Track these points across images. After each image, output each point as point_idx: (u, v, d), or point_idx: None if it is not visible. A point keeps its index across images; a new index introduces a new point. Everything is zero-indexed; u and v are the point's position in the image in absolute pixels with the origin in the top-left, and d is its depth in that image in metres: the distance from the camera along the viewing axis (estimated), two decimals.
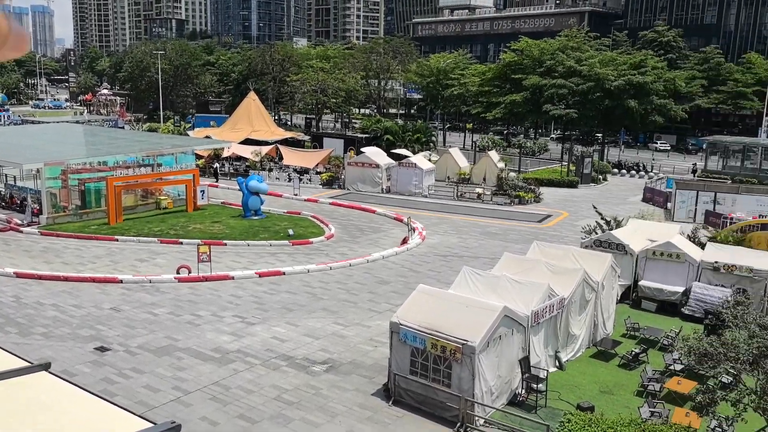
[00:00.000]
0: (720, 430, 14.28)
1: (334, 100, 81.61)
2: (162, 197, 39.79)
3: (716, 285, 23.30)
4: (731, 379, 13.20)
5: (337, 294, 24.95)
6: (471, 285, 18.90)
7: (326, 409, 16.02)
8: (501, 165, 51.04)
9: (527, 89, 71.58)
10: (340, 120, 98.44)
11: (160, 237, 32.51)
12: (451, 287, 19.26)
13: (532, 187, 47.13)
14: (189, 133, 66.40)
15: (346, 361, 18.84)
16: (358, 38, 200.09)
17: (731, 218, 35.63)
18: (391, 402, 16.33)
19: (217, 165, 52.18)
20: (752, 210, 38.11)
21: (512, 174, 50.48)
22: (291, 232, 33.67)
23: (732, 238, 28.02)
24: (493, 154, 53.04)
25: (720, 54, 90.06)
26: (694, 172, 59.31)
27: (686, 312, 23.15)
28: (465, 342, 15.28)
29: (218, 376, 17.60)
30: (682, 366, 17.74)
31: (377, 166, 47.57)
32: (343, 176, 49.23)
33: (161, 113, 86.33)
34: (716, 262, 23.69)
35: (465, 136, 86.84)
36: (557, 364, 18.81)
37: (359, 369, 18.35)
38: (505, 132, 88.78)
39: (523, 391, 16.66)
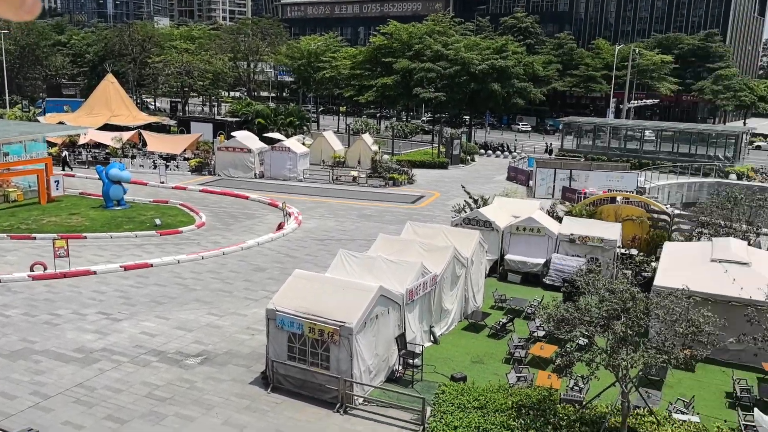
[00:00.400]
0: (578, 388, 15.51)
1: (201, 83, 78.52)
2: (10, 189, 36.43)
3: (573, 255, 25.13)
4: (586, 341, 14.32)
5: (211, 284, 24.20)
6: (347, 267, 19.05)
7: (202, 402, 15.55)
8: (375, 148, 51.68)
9: (398, 72, 72.82)
10: (208, 103, 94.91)
11: (9, 233, 29.80)
12: (327, 270, 19.30)
13: (406, 169, 48.17)
14: (39, 119, 61.18)
15: (222, 352, 18.36)
16: (224, 19, 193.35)
17: (585, 193, 38.43)
18: (269, 389, 16.14)
19: (65, 153, 48.31)
20: (603, 185, 41.35)
21: (386, 156, 51.28)
22: (158, 221, 32.13)
23: (585, 212, 30.27)
24: (367, 137, 53.57)
25: (573, 40, 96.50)
26: (549, 151, 63.32)
27: (547, 282, 24.80)
28: (342, 324, 15.39)
29: (82, 377, 16.50)
30: (544, 332, 19.03)
31: (249, 150, 46.46)
32: (213, 162, 47.61)
33: (6, 98, 78.75)
34: (572, 235, 25.53)
35: (339, 119, 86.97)
36: (432, 338, 19.49)
37: (236, 358, 17.95)
38: (378, 115, 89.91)
39: (401, 367, 17.09)
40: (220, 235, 31.35)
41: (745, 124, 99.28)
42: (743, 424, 14.36)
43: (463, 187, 34.02)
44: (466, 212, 28.78)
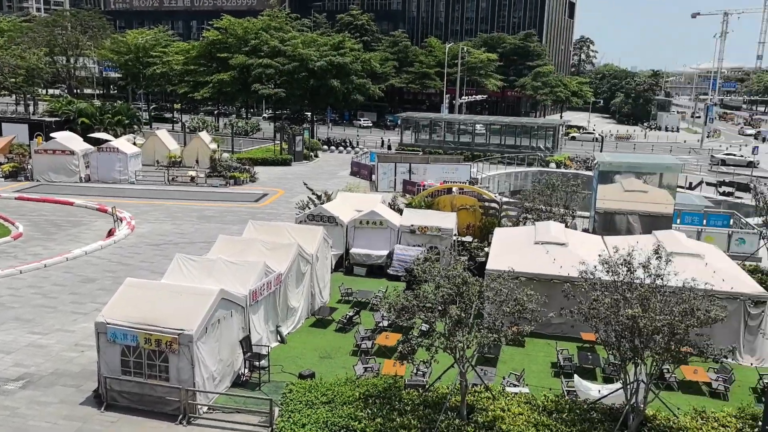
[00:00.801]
0: (421, 372, 16.12)
1: (13, 80, 71.06)
2: None
3: (414, 245, 26.07)
4: (428, 327, 14.91)
5: (32, 300, 21.99)
6: (185, 272, 18.22)
7: (26, 429, 14.09)
8: (213, 146, 49.95)
9: (234, 68, 70.94)
10: (22, 102, 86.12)
11: None
12: (163, 277, 18.33)
13: (247, 167, 47.12)
14: None
15: (47, 373, 16.75)
16: (38, 9, 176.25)
17: (423, 185, 40.06)
18: (103, 408, 15.00)
19: None
20: (439, 177, 43.36)
21: (225, 155, 49.79)
22: None
23: (424, 203, 31.54)
24: (205, 135, 51.64)
25: (407, 38, 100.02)
26: (389, 147, 64.99)
27: (391, 272, 25.50)
28: (181, 331, 14.68)
29: None
30: (389, 322, 19.55)
31: (72, 152, 42.82)
32: (30, 166, 43.31)
33: None
34: (412, 225, 26.48)
35: (174, 117, 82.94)
36: (279, 338, 19.24)
37: (63, 379, 16.47)
38: (216, 112, 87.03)
39: (247, 371, 16.68)
40: (41, 245, 28.60)
41: (561, 117, 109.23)
42: (565, 390, 15.77)
43: (305, 183, 33.96)
44: (309, 209, 28.76)
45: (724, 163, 63.09)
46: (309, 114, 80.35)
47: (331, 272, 24.31)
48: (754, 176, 48.79)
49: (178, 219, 34.32)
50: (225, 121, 75.38)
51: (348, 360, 18.02)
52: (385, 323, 19.86)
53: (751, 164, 61.95)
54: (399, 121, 69.51)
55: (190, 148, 50.03)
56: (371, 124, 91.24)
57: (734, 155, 65.39)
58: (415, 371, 16.10)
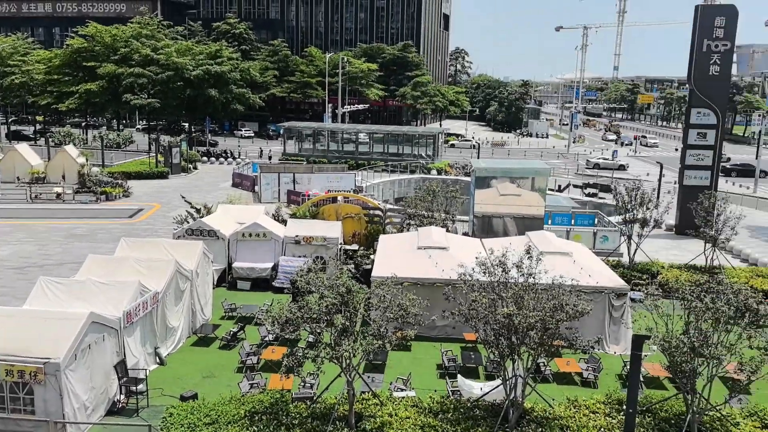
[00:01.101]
0: (308, 385, 15.95)
1: None
2: None
3: (299, 256, 25.82)
4: (315, 338, 14.77)
5: None
6: (51, 296, 16.94)
7: None
8: (81, 160, 46.95)
9: (103, 78, 67.20)
10: None
11: None
12: (26, 302, 16.93)
13: (120, 181, 44.68)
14: None
15: None
16: None
17: (308, 195, 39.86)
18: None
19: None
20: (324, 186, 43.35)
21: (95, 169, 46.97)
22: None
23: (309, 213, 31.36)
24: (71, 149, 48.41)
25: (287, 47, 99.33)
26: (269, 158, 63.74)
27: (276, 285, 25.10)
28: (47, 360, 13.61)
29: None
30: (275, 335, 19.20)
31: None
32: None
33: None
34: (297, 236, 26.22)
35: (36, 130, 77.14)
36: (158, 360, 18.34)
37: None
38: (84, 124, 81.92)
39: (123, 397, 15.74)
40: None
41: (441, 125, 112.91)
42: (450, 390, 16.21)
43: (182, 196, 32.72)
44: (188, 223, 27.70)
45: (598, 166, 67.79)
46: (186, 124, 77.60)
47: (213, 288, 23.55)
48: (615, 178, 52.83)
49: (43, 239, 31.88)
50: (94, 134, 71.12)
51: (233, 377, 17.49)
52: (271, 337, 19.49)
53: (621, 167, 67.63)
54: (282, 131, 68.80)
55: (54, 163, 46.70)
56: (253, 134, 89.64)
57: (608, 159, 70.65)
58: (302, 384, 15.90)
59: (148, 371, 17.04)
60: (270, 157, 63.36)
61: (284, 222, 29.04)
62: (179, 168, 53.73)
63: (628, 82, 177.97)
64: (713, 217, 26.86)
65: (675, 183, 41.05)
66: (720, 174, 53.57)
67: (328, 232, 26.55)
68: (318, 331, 13.71)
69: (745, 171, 64.48)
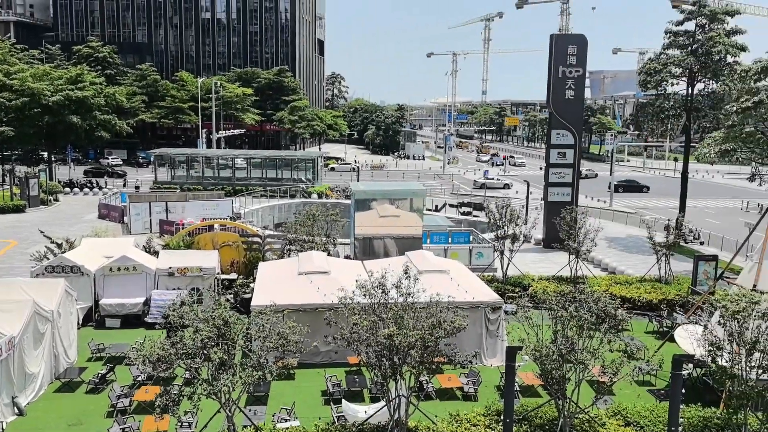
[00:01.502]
0: (187, 424, 15.14)
1: None
2: None
3: (173, 289, 24.64)
4: (192, 374, 14.08)
5: None
6: None
7: None
8: None
9: None
10: None
11: None
12: None
13: None
14: None
15: None
16: None
17: (182, 224, 38.33)
18: None
19: None
20: (200, 214, 41.87)
21: None
22: None
23: (183, 243, 30.12)
24: None
25: (155, 71, 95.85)
26: (136, 187, 59.89)
27: (149, 321, 23.78)
28: None
29: None
30: (148, 375, 18.10)
31: None
32: None
33: None
34: (170, 268, 25.05)
35: None
36: (16, 410, 16.71)
37: None
38: None
39: None
40: None
41: (320, 149, 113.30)
42: (335, 416, 16.04)
43: (41, 231, 30.31)
44: (48, 259, 25.68)
45: (485, 186, 71.19)
46: (45, 153, 72.21)
47: (78, 328, 21.93)
48: (487, 197, 55.38)
49: None
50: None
51: (103, 423, 16.27)
52: (144, 377, 18.37)
53: (506, 186, 72.58)
54: (152, 158, 65.91)
55: None
56: (121, 162, 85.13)
57: (493, 179, 74.58)
58: (179, 424, 15.07)
59: (5, 424, 15.47)
60: (137, 187, 60.19)
61: (156, 253, 27.70)
62: (38, 200, 49.85)
63: (496, 105, 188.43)
64: (575, 230, 28.78)
65: (541, 199, 43.68)
66: (608, 190, 58.03)
67: (204, 262, 25.60)
68: (194, 366, 13.09)
69: (631, 187, 71.68)
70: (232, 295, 25.79)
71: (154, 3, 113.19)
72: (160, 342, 13.19)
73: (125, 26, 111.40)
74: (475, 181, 74.93)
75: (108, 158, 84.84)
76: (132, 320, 24.09)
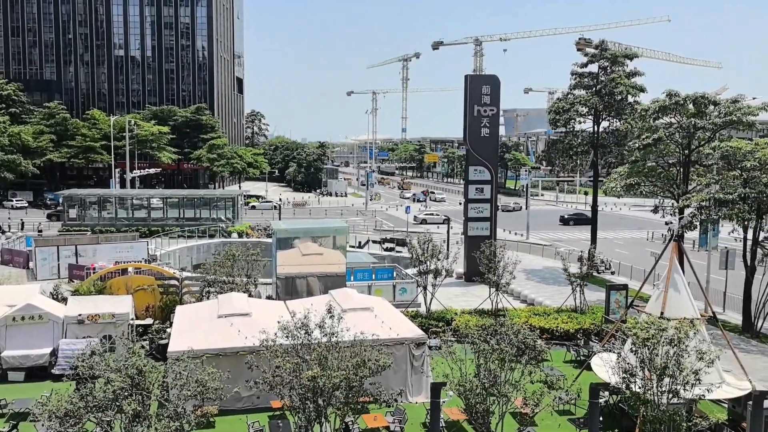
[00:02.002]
0: None
1: None
2: None
3: (84, 337, 23.30)
4: (103, 428, 13.26)
5: None
6: None
7: None
8: None
9: None
10: None
11: None
12: None
13: None
14: None
15: None
16: None
17: (93, 268, 36.52)
18: None
19: None
20: (113, 257, 40.04)
21: None
22: None
23: (94, 288, 28.65)
24: None
25: (65, 110, 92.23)
26: (39, 231, 56.66)
27: (57, 372, 22.30)
28: None
29: None
30: (55, 431, 16.89)
31: None
32: None
33: None
34: (80, 315, 23.73)
35: None
36: None
37: None
38: None
39: None
40: None
41: (240, 187, 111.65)
42: None
43: None
44: None
45: (425, 221, 73.09)
46: None
47: None
48: (410, 232, 56.06)
49: None
50: None
51: None
52: None
53: (447, 220, 73.01)
54: (61, 200, 62.86)
55: None
56: (27, 205, 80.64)
57: (434, 214, 76.33)
58: None
59: None
60: (40, 231, 56.91)
61: (65, 300, 26.22)
62: None
63: (416, 142, 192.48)
64: (494, 263, 29.48)
65: (461, 234, 44.60)
66: (560, 223, 60.09)
67: (116, 308, 24.42)
68: (106, 420, 12.35)
69: (580, 220, 74.05)
70: (147, 342, 24.65)
71: (63, 40, 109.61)
72: (68, 395, 12.39)
73: (32, 63, 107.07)
74: (415, 216, 75.55)
75: (12, 200, 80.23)
76: (37, 372, 22.56)
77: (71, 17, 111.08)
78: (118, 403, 12.23)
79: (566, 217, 76.21)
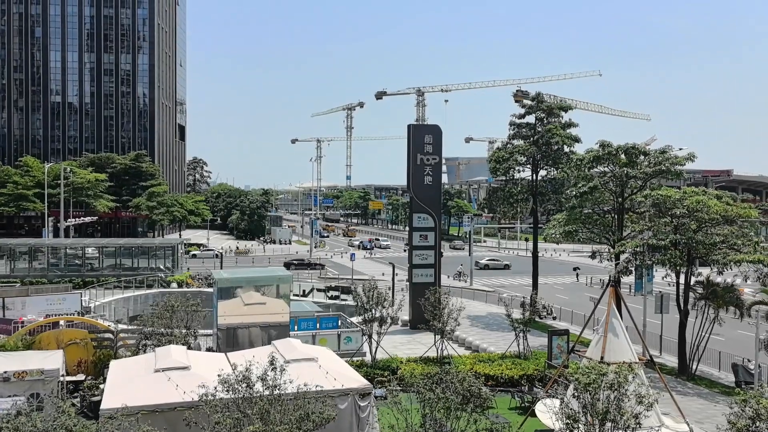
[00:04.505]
0: None
1: None
2: None
3: (9, 396, 21.92)
4: None
5: None
6: None
7: None
8: None
9: None
10: None
11: None
12: None
13: None
14: None
15: None
16: None
17: (22, 322, 34.70)
18: None
19: None
20: (44, 310, 38.15)
21: None
22: None
23: (21, 343, 27.17)
24: None
25: None
26: None
27: None
28: None
29: None
30: None
31: None
32: None
33: None
34: (5, 372, 22.36)
35: None
36: None
37: None
38: None
39: None
40: None
41: (180, 235, 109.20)
42: None
43: None
44: None
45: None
46: None
47: None
48: (355, 279, 55.74)
49: None
50: None
51: None
52: None
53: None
54: None
55: None
56: None
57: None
58: None
59: None
60: None
61: None
62: None
63: (360, 189, 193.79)
64: (439, 310, 29.56)
65: (407, 281, 44.71)
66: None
67: (45, 364, 23.12)
68: None
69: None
70: (78, 399, 23.43)
71: None
72: None
73: None
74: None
75: None
76: None
77: (6, 62, 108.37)
78: None
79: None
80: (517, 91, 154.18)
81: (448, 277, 64.25)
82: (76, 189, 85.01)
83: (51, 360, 23.64)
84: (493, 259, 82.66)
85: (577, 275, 68.72)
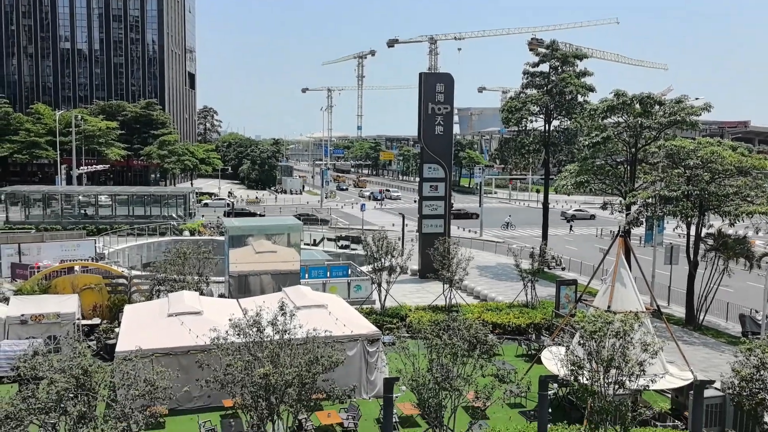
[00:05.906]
0: None
1: None
2: None
3: (27, 338, 22.54)
4: (49, 429, 12.85)
5: None
6: None
7: None
8: None
9: None
10: None
11: None
12: None
13: None
14: None
15: None
16: None
17: (38, 267, 35.32)
18: None
19: None
20: (58, 256, 38.75)
21: None
22: None
23: (38, 287, 27.76)
24: None
25: (8, 104, 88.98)
26: None
27: None
28: None
29: None
30: None
31: None
32: None
33: None
34: (23, 315, 22.95)
35: None
36: None
37: None
38: None
39: None
40: None
41: (192, 184, 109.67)
42: None
43: None
44: None
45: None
46: None
47: None
48: (365, 230, 56.01)
49: None
50: None
51: None
52: None
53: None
54: (3, 197, 60.59)
55: None
56: None
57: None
58: None
59: None
60: None
61: (7, 300, 25.30)
62: None
63: (371, 140, 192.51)
64: (448, 260, 29.74)
65: (416, 231, 44.86)
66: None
67: (62, 307, 23.71)
68: (50, 422, 11.97)
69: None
70: (94, 342, 24.04)
71: (5, 31, 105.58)
72: (9, 397, 11.95)
73: None
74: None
75: None
76: None
77: (14, 8, 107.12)
78: (62, 405, 11.86)
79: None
80: (532, 39, 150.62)
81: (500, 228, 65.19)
82: (88, 137, 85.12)
83: (67, 304, 24.20)
84: (580, 209, 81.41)
85: (571, 227, 68.29)
